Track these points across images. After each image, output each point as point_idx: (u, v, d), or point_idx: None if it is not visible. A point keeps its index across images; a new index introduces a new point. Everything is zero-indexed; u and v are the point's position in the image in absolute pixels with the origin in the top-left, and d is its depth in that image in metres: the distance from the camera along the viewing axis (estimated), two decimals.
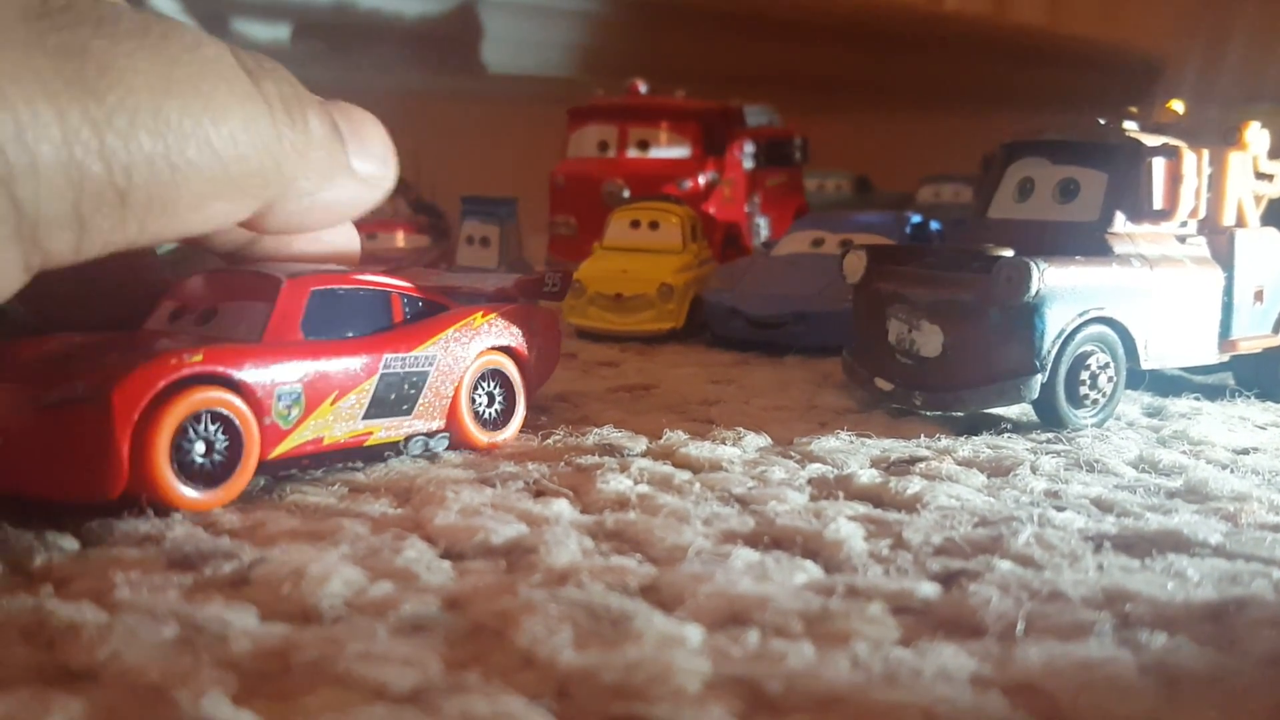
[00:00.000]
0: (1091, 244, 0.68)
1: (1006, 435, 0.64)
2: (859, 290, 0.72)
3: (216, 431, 0.49)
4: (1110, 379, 0.66)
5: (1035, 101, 2.36)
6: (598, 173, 1.24)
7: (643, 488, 0.54)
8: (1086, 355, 0.65)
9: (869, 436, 0.64)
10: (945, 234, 1.07)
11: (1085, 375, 0.65)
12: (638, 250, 1.02)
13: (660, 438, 0.63)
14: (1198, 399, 0.74)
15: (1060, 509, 0.51)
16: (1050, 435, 0.64)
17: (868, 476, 0.55)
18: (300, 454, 0.53)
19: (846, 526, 0.48)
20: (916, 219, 1.04)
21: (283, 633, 0.37)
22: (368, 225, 1.13)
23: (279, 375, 0.51)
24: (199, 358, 0.48)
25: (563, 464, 0.58)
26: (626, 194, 1.19)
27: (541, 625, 0.37)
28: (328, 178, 0.50)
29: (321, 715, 0.32)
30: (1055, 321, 0.63)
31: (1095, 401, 0.66)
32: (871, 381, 0.70)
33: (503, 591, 0.41)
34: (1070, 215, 0.70)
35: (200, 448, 0.49)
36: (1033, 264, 0.62)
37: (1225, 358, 0.72)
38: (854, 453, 0.60)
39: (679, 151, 1.25)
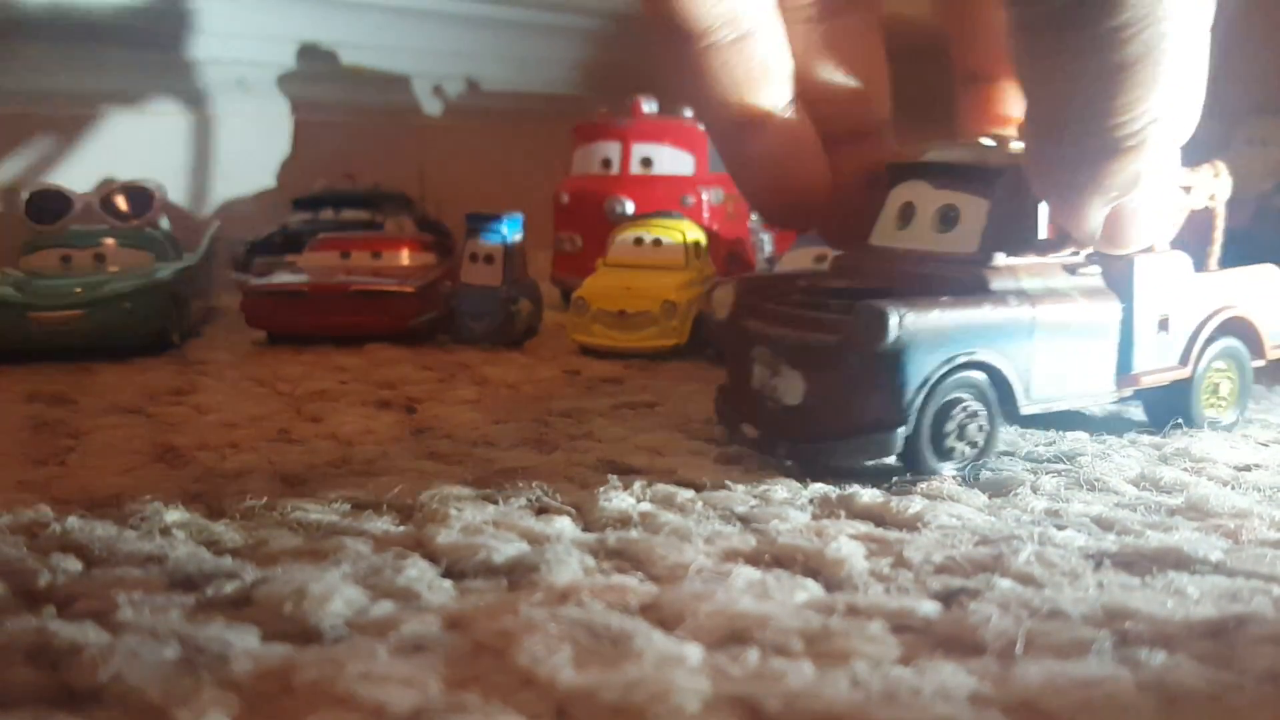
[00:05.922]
0: (969, 279, 0.61)
1: (1007, 455, 0.64)
2: (727, 327, 0.66)
3: None
4: (981, 428, 0.60)
5: None
6: (601, 189, 1.24)
7: (645, 505, 0.54)
8: (954, 403, 0.59)
9: None
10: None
11: (952, 425, 0.59)
12: (641, 267, 1.03)
13: (663, 455, 0.63)
14: None
15: (1061, 527, 0.51)
16: (1052, 454, 0.64)
17: (869, 495, 0.56)
18: None
19: (848, 545, 0.48)
20: None
21: (284, 653, 0.38)
22: (372, 243, 1.13)
23: None
24: None
25: (565, 480, 0.58)
26: (630, 210, 1.20)
27: (541, 645, 0.38)
28: None
29: None
30: (918, 369, 0.57)
31: (962, 454, 0.60)
32: (739, 428, 0.64)
33: (503, 611, 0.41)
34: (949, 246, 0.63)
35: None
36: (890, 310, 0.56)
37: (1127, 393, 0.66)
38: (856, 471, 0.60)
39: (682, 168, 1.26)
